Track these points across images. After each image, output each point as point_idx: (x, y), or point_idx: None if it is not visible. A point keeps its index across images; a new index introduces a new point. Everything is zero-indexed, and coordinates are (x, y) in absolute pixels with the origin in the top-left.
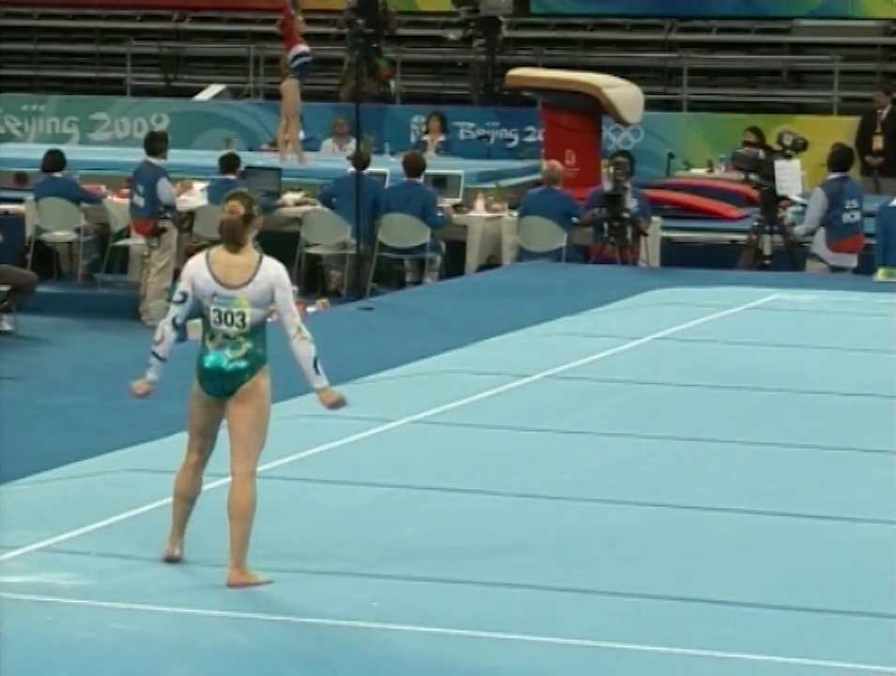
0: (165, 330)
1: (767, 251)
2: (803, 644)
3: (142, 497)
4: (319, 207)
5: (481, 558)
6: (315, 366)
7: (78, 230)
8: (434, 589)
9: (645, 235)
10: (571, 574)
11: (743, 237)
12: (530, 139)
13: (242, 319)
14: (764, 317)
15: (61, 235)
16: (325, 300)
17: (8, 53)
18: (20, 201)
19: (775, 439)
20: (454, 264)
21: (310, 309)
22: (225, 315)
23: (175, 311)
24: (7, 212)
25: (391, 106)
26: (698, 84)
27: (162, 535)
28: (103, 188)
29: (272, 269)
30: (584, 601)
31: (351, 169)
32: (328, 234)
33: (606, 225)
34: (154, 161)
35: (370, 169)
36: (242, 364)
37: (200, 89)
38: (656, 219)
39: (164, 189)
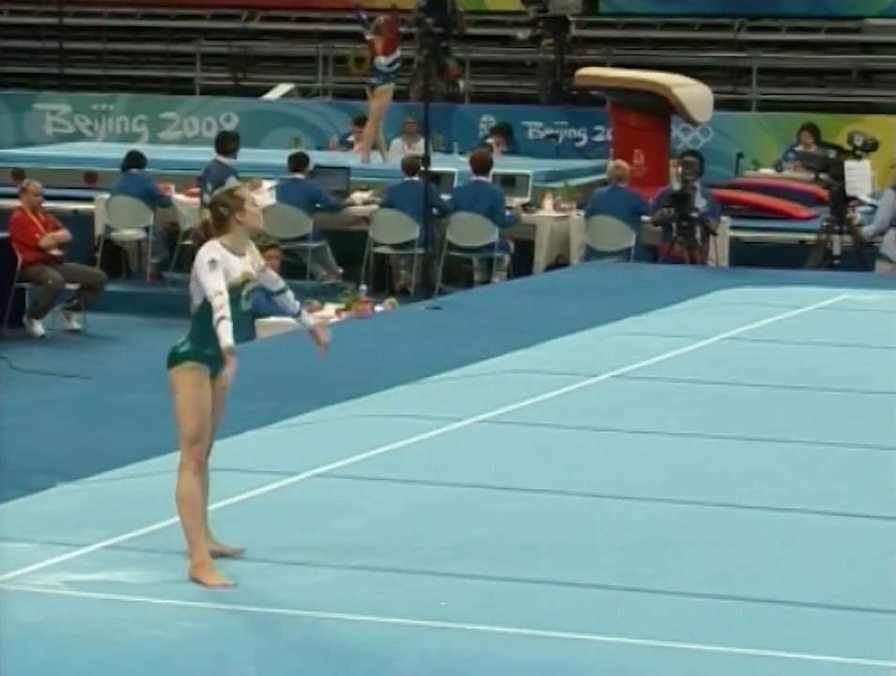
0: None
1: (836, 251)
2: (869, 646)
3: (210, 495)
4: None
5: (547, 557)
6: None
7: (147, 229)
8: (500, 588)
9: (715, 234)
10: (637, 573)
11: (812, 236)
12: (598, 138)
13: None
14: (832, 317)
15: (130, 233)
16: (393, 300)
17: (78, 52)
18: (90, 200)
19: (841, 440)
20: (522, 263)
21: (378, 308)
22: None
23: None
24: (76, 211)
25: (459, 105)
26: (767, 84)
27: (231, 533)
28: (172, 187)
29: (200, 251)
30: (650, 601)
31: (407, 178)
32: (396, 233)
33: (674, 225)
34: (224, 160)
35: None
36: (170, 352)
37: (269, 88)
38: (724, 218)
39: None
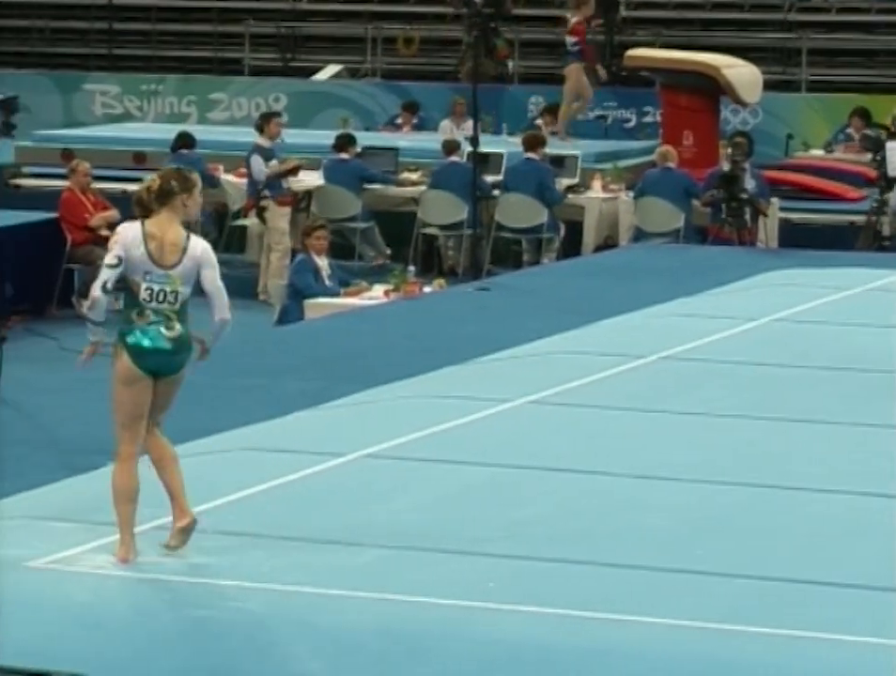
0: (96, 295)
1: (886, 232)
2: None
3: (257, 476)
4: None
5: (596, 538)
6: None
7: None
8: (549, 569)
9: (764, 216)
10: (686, 555)
11: (861, 218)
12: (648, 119)
13: (175, 298)
14: (881, 299)
15: None
16: (442, 281)
17: (127, 32)
18: (139, 180)
19: (889, 422)
20: (570, 244)
21: (426, 289)
22: (162, 294)
23: (107, 274)
24: (125, 191)
25: (508, 86)
26: (817, 65)
27: (279, 513)
28: (221, 168)
29: (199, 248)
30: (698, 582)
31: (449, 159)
32: (444, 214)
33: (723, 206)
34: (258, 139)
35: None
36: (182, 345)
37: (318, 69)
38: (774, 200)
39: (254, 165)
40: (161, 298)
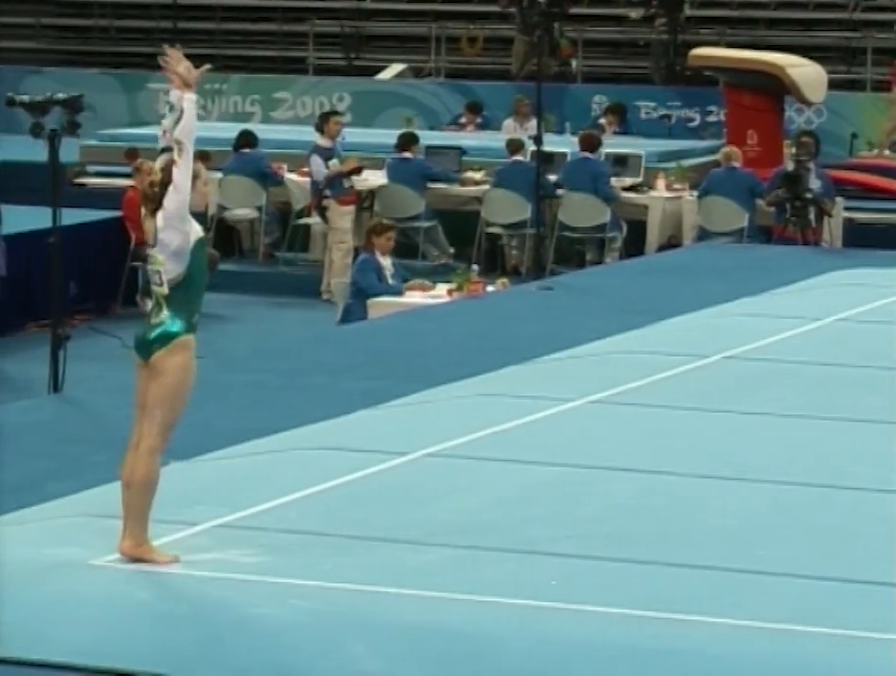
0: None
1: None
2: None
3: (319, 474)
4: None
5: (658, 538)
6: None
7: (260, 208)
8: (611, 568)
9: (829, 215)
10: (749, 555)
11: None
12: (711, 119)
13: (160, 278)
14: None
15: (243, 213)
16: (505, 280)
17: (192, 31)
18: None
19: None
20: (634, 244)
21: (489, 288)
22: (153, 274)
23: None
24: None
25: (572, 86)
26: (881, 64)
27: (340, 512)
28: (285, 166)
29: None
30: (761, 582)
31: (513, 158)
32: (508, 213)
33: (788, 206)
34: (318, 139)
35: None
36: (153, 334)
37: (381, 68)
38: (838, 199)
39: (314, 166)
40: (156, 280)
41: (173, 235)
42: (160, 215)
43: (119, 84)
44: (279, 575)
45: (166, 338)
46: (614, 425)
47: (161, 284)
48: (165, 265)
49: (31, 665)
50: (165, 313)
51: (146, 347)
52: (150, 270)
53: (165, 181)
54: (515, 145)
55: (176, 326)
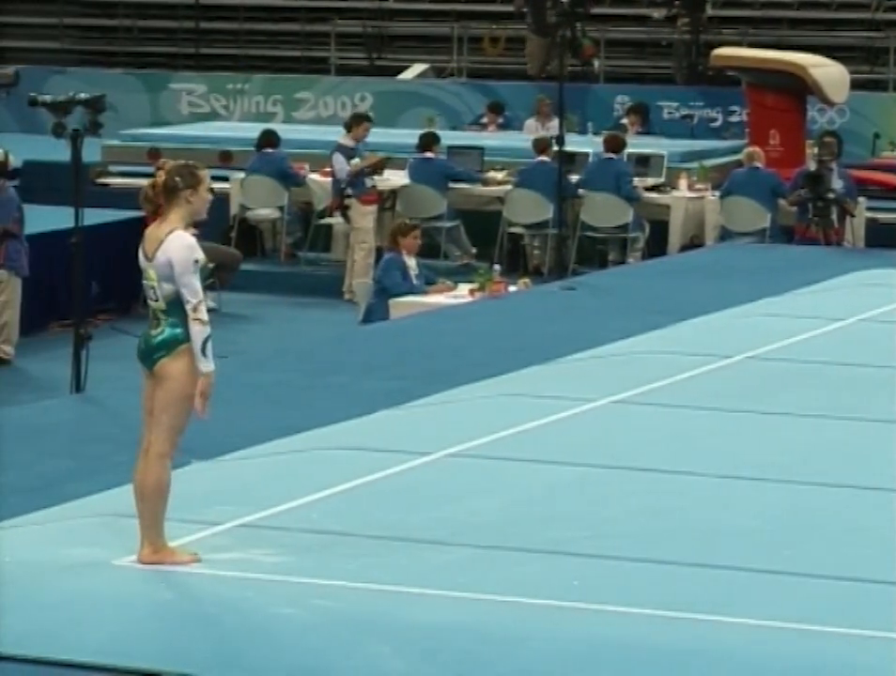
0: None
1: None
2: None
3: (341, 474)
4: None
5: (680, 538)
6: (202, 349)
7: (282, 208)
8: (632, 569)
9: (851, 215)
10: (774, 556)
11: None
12: (734, 119)
13: (155, 293)
14: None
15: (265, 213)
16: (527, 280)
17: (214, 31)
18: (225, 179)
19: None
20: (656, 244)
21: (511, 288)
22: (147, 289)
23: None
24: (211, 190)
25: (594, 85)
26: None
27: (363, 512)
28: (307, 166)
29: (174, 242)
30: (784, 582)
31: (538, 158)
32: (530, 213)
33: (810, 206)
34: (342, 138)
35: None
36: (155, 342)
37: (404, 68)
38: (860, 200)
39: (336, 164)
40: (150, 295)
41: (171, 281)
42: (174, 260)
43: (142, 84)
44: (301, 575)
45: (169, 346)
46: (636, 425)
47: (156, 300)
48: (160, 282)
49: (54, 664)
50: (164, 324)
51: (149, 357)
52: (145, 285)
53: (168, 185)
54: (541, 145)
55: (177, 333)
